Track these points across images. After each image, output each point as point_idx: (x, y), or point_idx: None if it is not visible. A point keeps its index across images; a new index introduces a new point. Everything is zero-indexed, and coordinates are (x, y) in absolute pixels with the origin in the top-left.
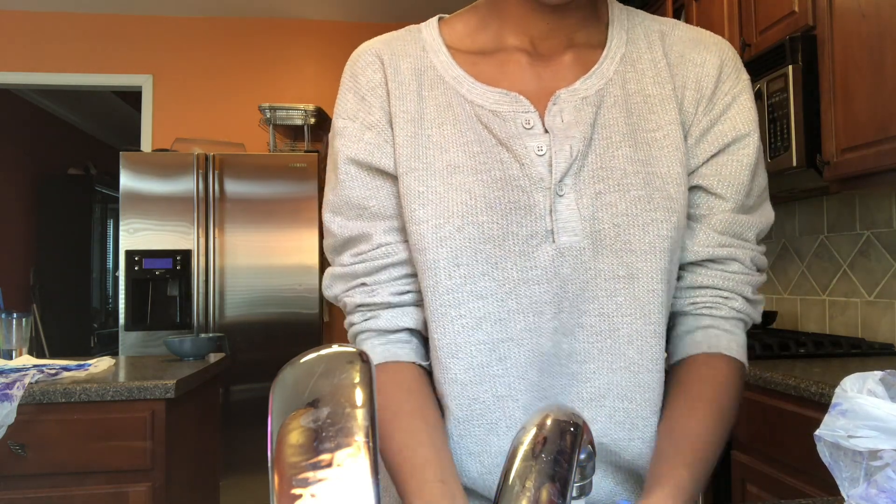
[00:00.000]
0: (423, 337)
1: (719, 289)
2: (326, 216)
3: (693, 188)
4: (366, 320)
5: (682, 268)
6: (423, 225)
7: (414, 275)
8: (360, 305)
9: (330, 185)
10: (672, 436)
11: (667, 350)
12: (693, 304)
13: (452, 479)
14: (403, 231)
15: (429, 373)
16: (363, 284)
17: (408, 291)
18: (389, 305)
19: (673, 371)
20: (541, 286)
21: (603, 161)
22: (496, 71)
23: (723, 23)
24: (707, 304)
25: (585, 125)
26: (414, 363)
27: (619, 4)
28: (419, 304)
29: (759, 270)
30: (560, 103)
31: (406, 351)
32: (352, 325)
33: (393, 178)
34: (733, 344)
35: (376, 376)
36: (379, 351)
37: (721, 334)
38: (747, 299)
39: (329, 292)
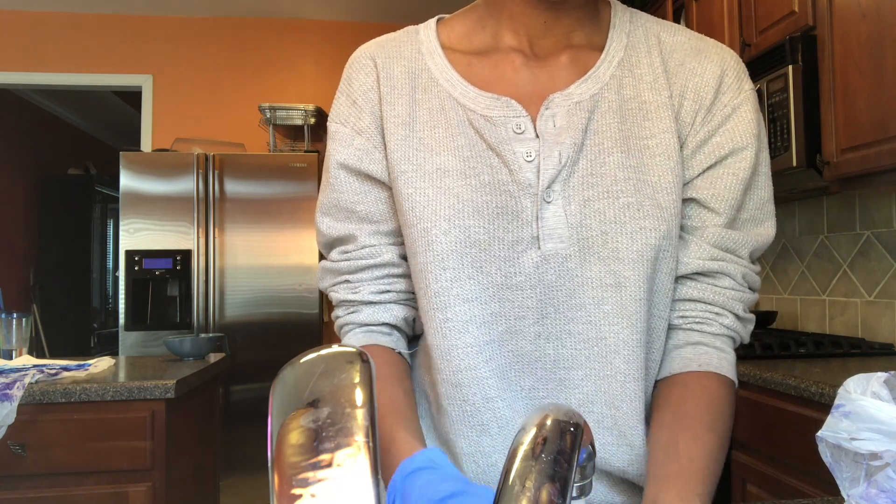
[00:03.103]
0: (403, 332)
1: (709, 303)
2: (317, 216)
3: (687, 200)
4: (349, 314)
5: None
6: (413, 228)
7: (395, 276)
8: (343, 301)
9: (322, 186)
10: (678, 461)
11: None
12: (682, 317)
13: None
14: (389, 234)
15: (409, 364)
16: (347, 281)
17: (388, 291)
18: (370, 303)
19: (662, 386)
20: (524, 292)
21: (594, 167)
22: (491, 72)
23: (723, 23)
24: (697, 319)
25: (577, 130)
26: (394, 350)
27: (621, 6)
28: (400, 302)
29: (751, 289)
30: (553, 107)
31: (387, 340)
32: (337, 317)
33: (381, 183)
34: (724, 363)
35: None
36: (361, 338)
37: (711, 352)
38: (738, 317)
39: (320, 284)
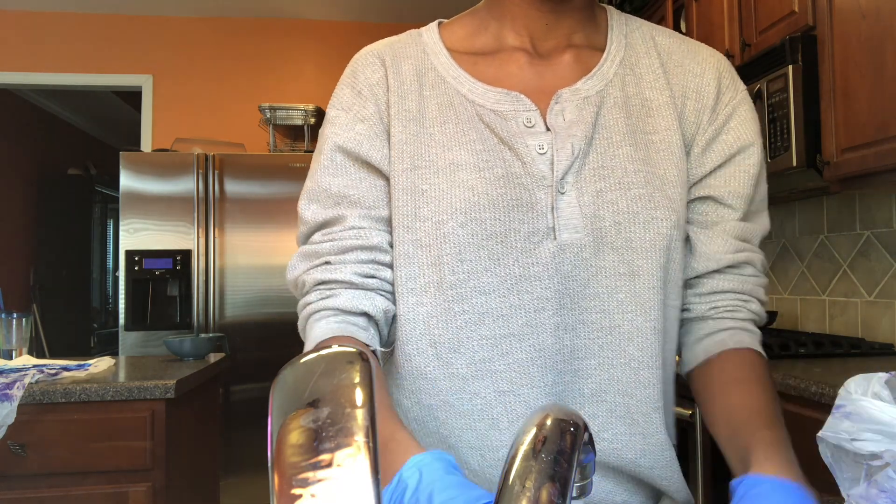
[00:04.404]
0: (379, 329)
1: (738, 292)
2: (302, 203)
3: (702, 198)
4: (323, 298)
5: (702, 275)
6: (427, 222)
7: (382, 263)
8: (319, 283)
9: (313, 174)
10: (738, 413)
11: (680, 354)
12: (714, 308)
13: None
14: (380, 221)
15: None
16: (327, 263)
17: (373, 276)
18: (351, 285)
19: (702, 369)
20: (542, 282)
21: (604, 160)
22: (497, 70)
23: (723, 23)
24: (728, 308)
25: (587, 124)
26: (369, 346)
27: (616, 11)
28: (382, 292)
29: (765, 274)
30: (562, 102)
31: (363, 335)
32: (307, 304)
33: (378, 171)
34: (755, 340)
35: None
36: (334, 327)
37: (743, 333)
38: (760, 301)
39: (290, 275)
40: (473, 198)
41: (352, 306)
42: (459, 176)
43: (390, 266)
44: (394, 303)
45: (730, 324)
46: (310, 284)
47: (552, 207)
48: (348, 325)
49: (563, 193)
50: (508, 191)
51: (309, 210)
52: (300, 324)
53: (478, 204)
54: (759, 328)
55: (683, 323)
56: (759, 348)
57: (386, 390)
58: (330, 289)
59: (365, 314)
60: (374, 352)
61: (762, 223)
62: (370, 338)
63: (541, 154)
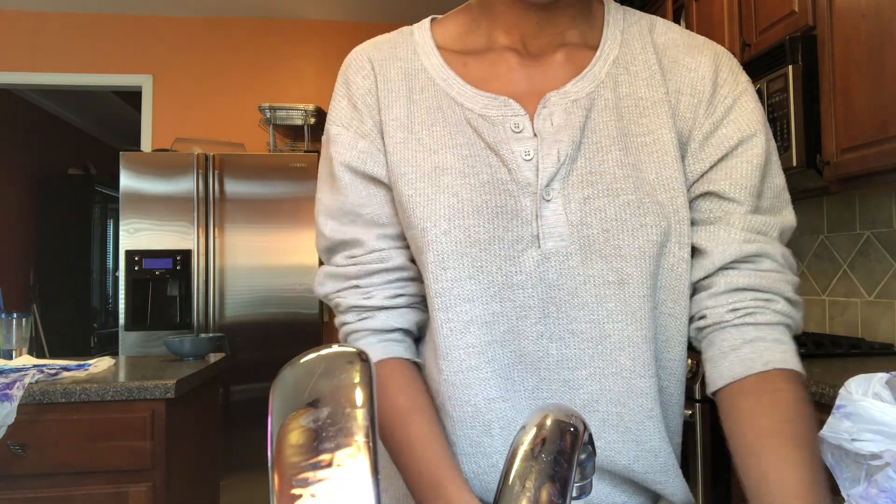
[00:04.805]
0: (415, 337)
1: (757, 290)
2: (320, 219)
3: (704, 194)
4: (360, 320)
5: (712, 274)
6: (414, 229)
7: (406, 279)
8: (354, 307)
9: (325, 188)
10: (773, 497)
11: (704, 370)
12: (734, 310)
13: (463, 480)
14: (397, 238)
15: (421, 369)
16: (356, 287)
17: (401, 295)
18: (384, 308)
19: (729, 395)
20: (525, 291)
21: (592, 165)
22: (487, 71)
23: (723, 23)
24: (748, 310)
25: (575, 129)
26: (409, 360)
27: (615, 4)
28: (413, 306)
29: (791, 271)
30: (550, 106)
31: (401, 349)
32: (344, 324)
33: (386, 186)
34: (787, 355)
35: (376, 372)
36: (378, 348)
37: (771, 346)
38: (789, 300)
39: (320, 290)
40: (458, 204)
41: (387, 326)
42: (444, 181)
43: (415, 280)
44: (426, 311)
45: (752, 333)
46: (344, 307)
47: (536, 215)
48: (387, 343)
49: (548, 201)
50: (493, 197)
51: (327, 226)
52: (341, 338)
53: (462, 210)
54: (798, 333)
55: (705, 333)
56: (792, 363)
57: (432, 411)
58: (365, 311)
59: (400, 329)
60: (416, 363)
61: (782, 216)
62: (407, 348)
63: (526, 160)
